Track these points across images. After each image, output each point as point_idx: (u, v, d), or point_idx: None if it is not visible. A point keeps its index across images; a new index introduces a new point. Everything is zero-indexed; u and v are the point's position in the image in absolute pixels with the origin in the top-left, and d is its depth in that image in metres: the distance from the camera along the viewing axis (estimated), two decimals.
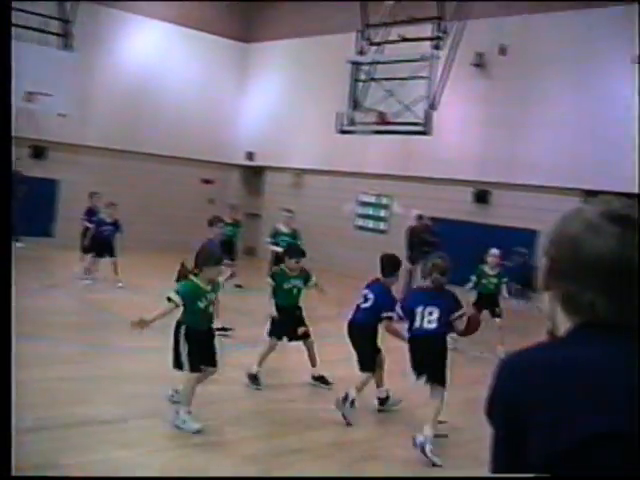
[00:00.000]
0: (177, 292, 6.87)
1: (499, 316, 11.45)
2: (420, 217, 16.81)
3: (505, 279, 11.74)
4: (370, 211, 20.04)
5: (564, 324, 1.58)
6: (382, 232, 19.42)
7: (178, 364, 6.80)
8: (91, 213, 15.42)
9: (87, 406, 7.12)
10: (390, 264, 8.05)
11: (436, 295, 6.97)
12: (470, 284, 11.69)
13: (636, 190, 13.82)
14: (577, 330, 1.54)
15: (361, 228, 20.08)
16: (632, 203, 1.57)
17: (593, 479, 1.37)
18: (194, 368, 6.75)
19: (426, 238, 16.49)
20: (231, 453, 6.32)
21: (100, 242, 14.50)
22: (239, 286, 15.27)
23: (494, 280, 11.59)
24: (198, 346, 6.80)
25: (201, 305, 6.87)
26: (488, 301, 11.54)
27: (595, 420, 1.38)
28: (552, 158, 15.88)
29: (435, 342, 6.89)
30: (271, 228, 14.22)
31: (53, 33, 19.07)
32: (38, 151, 19.88)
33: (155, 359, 9.53)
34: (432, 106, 13.78)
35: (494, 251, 11.73)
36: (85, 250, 14.88)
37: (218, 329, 11.09)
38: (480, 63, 17.33)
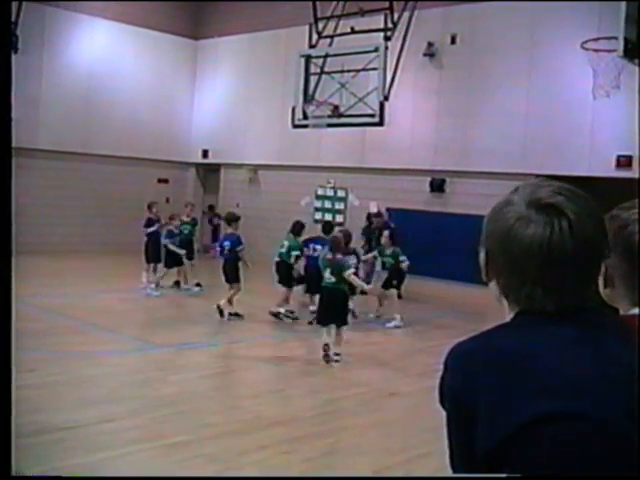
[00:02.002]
0: None
1: (396, 288, 13.43)
2: (377, 214, 16.85)
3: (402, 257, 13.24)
4: (327, 204, 20.04)
5: (509, 312, 1.59)
6: (340, 225, 19.41)
7: None
8: (150, 223, 15.10)
9: (49, 413, 7.02)
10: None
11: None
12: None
13: (588, 173, 14.07)
14: (519, 317, 1.56)
15: (319, 222, 20.03)
16: (560, 187, 1.55)
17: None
18: None
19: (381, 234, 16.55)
20: (197, 452, 6.27)
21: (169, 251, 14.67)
22: (199, 285, 15.20)
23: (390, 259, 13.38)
24: None
25: None
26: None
27: (534, 404, 1.39)
28: (505, 144, 16.01)
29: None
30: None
31: None
32: None
33: (113, 362, 9.49)
34: (385, 97, 13.77)
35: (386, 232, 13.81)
36: (149, 260, 14.77)
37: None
38: (431, 53, 17.40)
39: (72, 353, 9.64)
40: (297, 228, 13.19)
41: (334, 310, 9.84)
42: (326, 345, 9.50)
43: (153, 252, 14.72)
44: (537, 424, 1.38)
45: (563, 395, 1.40)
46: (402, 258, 13.23)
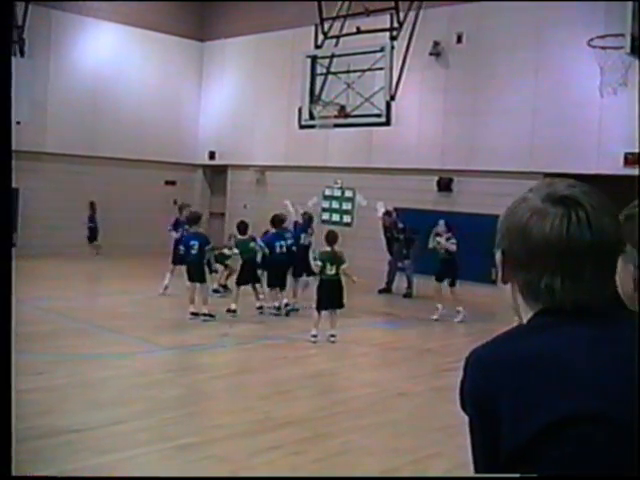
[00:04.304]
0: None
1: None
2: (387, 213, 16.86)
3: None
4: (335, 204, 20.01)
5: (527, 314, 1.59)
6: (347, 225, 19.40)
7: None
8: (177, 225, 14.82)
9: (57, 416, 7.03)
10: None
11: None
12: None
13: (595, 171, 14.02)
14: (538, 317, 1.57)
15: (327, 222, 20.03)
16: (574, 182, 1.58)
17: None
18: None
19: (394, 234, 16.61)
20: (207, 454, 6.26)
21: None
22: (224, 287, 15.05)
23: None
24: None
25: None
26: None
27: (557, 406, 1.39)
28: (512, 143, 15.96)
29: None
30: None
31: None
32: None
33: (121, 364, 9.50)
34: (392, 97, 13.75)
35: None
36: (175, 262, 14.55)
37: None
38: (437, 52, 17.37)
39: (80, 356, 9.65)
40: (242, 228, 13.38)
41: (335, 297, 11.07)
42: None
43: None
44: (559, 426, 1.38)
45: (583, 397, 1.40)
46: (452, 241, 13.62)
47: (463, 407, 1.56)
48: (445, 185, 17.32)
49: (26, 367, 8.79)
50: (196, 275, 12.45)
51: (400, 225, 16.43)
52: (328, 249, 11.26)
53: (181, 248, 12.93)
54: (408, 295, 16.48)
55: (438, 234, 13.82)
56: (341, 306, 11.19)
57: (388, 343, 11.18)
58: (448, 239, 13.60)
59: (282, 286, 13.10)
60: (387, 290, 16.79)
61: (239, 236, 13.31)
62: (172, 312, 12.93)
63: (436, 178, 17.42)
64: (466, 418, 1.55)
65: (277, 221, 13.44)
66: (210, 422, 7.15)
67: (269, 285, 13.19)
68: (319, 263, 11.14)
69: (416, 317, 13.97)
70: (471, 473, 1.54)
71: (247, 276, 12.95)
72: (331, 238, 11.44)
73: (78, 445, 6.22)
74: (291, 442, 6.63)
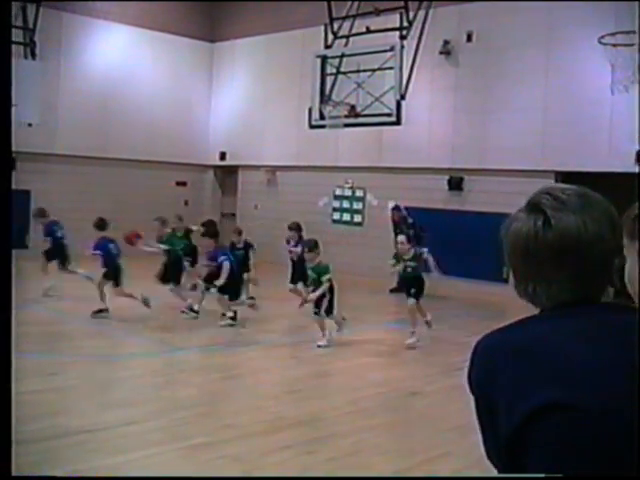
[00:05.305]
0: None
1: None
2: (396, 208, 16.88)
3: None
4: (345, 204, 20.01)
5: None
6: (358, 225, 19.41)
7: None
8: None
9: (70, 416, 7.06)
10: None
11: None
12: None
13: (607, 169, 13.98)
14: (539, 314, 1.67)
15: (337, 222, 20.05)
16: (552, 188, 1.67)
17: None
18: None
19: (402, 230, 16.62)
20: (220, 454, 6.27)
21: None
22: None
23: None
24: None
25: None
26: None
27: (540, 393, 1.46)
28: (523, 141, 15.93)
29: None
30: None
31: (16, 42, 18.84)
32: None
33: (134, 364, 9.54)
34: (402, 96, 13.75)
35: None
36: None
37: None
38: (447, 51, 17.35)
39: (94, 356, 9.69)
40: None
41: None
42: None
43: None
44: (541, 412, 1.44)
45: (564, 385, 1.45)
46: (423, 250, 11.90)
47: (471, 391, 1.64)
48: (456, 184, 17.30)
49: (40, 367, 8.84)
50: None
51: (410, 220, 16.45)
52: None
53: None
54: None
55: (402, 257, 11.43)
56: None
57: (399, 343, 11.18)
58: (417, 256, 11.49)
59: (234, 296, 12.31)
60: (398, 289, 16.76)
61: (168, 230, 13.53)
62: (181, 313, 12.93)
63: (447, 177, 17.41)
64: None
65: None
66: (223, 422, 7.16)
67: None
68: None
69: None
70: (483, 472, 1.56)
71: (170, 274, 12.99)
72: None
73: (92, 445, 6.25)
74: (303, 442, 6.64)
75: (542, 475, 1.43)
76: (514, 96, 16.26)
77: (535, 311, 1.69)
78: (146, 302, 12.05)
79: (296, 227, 13.86)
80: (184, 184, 23.35)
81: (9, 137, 3.07)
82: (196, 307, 12.29)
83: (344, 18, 15.57)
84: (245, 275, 13.35)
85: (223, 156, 23.37)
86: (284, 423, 7.23)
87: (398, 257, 11.46)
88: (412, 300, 11.25)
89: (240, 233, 13.94)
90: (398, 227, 16.73)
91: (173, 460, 6.10)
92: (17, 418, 6.76)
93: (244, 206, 22.79)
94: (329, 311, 10.85)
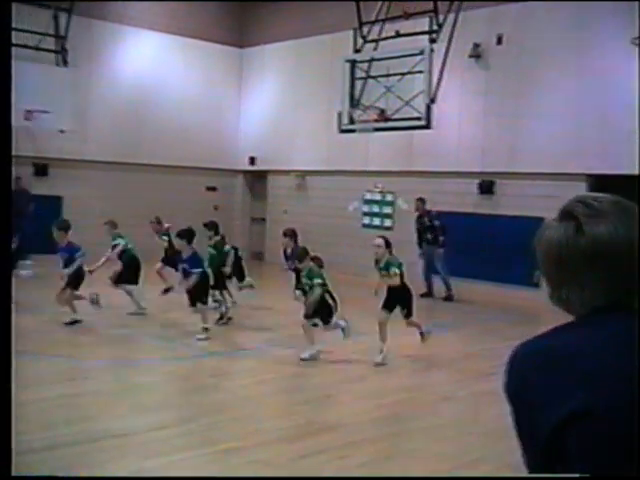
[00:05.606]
0: None
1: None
2: (420, 199, 16.87)
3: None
4: (375, 209, 19.97)
5: None
6: (388, 229, 19.35)
7: None
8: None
9: (102, 420, 7.10)
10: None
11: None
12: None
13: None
14: (575, 320, 1.68)
15: (367, 226, 20.01)
16: (585, 197, 1.68)
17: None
18: None
19: (424, 222, 16.60)
20: (251, 458, 6.26)
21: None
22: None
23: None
24: None
25: None
26: None
27: (576, 401, 1.48)
28: (555, 144, 15.78)
29: None
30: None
31: (48, 50, 19.09)
32: (40, 168, 19.88)
33: (165, 369, 9.58)
34: (432, 100, 13.70)
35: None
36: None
37: None
38: (477, 54, 17.24)
39: (125, 361, 9.75)
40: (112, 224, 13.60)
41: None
42: None
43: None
44: (576, 420, 1.47)
45: (598, 393, 1.47)
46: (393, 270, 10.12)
47: (509, 400, 1.66)
48: (487, 188, 17.20)
49: (73, 372, 8.91)
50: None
51: (436, 223, 16.46)
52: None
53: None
54: (449, 298, 16.38)
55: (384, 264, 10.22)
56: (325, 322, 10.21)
57: (431, 347, 11.12)
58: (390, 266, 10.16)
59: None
60: (429, 294, 16.69)
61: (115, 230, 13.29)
62: (215, 318, 12.94)
63: (477, 181, 17.31)
64: (510, 421, 1.65)
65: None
66: (254, 426, 7.16)
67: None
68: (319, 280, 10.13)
69: (458, 321, 13.89)
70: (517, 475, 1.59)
71: (128, 275, 12.82)
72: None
73: (123, 449, 6.27)
74: (335, 447, 6.61)
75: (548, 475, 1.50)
76: (545, 98, 16.12)
77: (569, 318, 1.69)
78: (94, 301, 11.83)
79: (291, 233, 13.03)
80: (214, 189, 23.44)
81: (9, 137, 3.08)
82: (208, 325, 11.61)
83: (373, 22, 15.56)
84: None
85: (253, 161, 23.42)
86: (316, 427, 7.22)
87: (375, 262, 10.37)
88: (384, 314, 10.04)
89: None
90: (421, 219, 16.75)
91: (203, 465, 6.10)
92: (50, 422, 6.86)
93: (274, 211, 22.83)
94: (327, 318, 10.16)
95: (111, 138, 21.02)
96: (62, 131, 18.52)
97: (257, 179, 24.00)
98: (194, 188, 22.61)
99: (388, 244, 10.25)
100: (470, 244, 16.82)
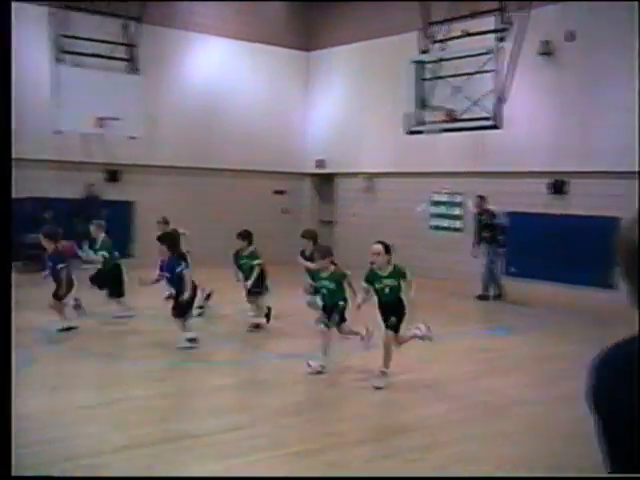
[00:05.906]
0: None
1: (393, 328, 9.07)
2: (480, 197, 16.65)
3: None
4: (444, 210, 19.81)
5: None
6: (457, 230, 19.19)
7: None
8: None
9: (176, 421, 7.20)
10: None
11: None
12: None
13: None
14: None
15: (436, 228, 19.88)
16: None
17: None
18: None
19: (483, 220, 16.37)
20: (324, 460, 6.26)
21: None
22: None
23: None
24: None
25: None
26: None
27: (631, 406, 1.48)
28: (628, 142, 15.40)
29: None
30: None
31: (119, 58, 19.52)
32: (112, 174, 20.30)
33: (237, 371, 9.66)
34: (501, 99, 13.57)
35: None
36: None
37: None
38: (547, 51, 16.93)
39: (198, 363, 9.86)
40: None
41: None
42: None
43: None
44: (630, 425, 1.47)
45: None
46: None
47: (589, 406, 1.65)
48: (558, 187, 16.91)
49: (147, 374, 9.05)
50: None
51: (498, 223, 16.24)
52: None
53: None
54: (498, 297, 16.16)
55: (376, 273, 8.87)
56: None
57: (498, 350, 10.98)
58: (398, 272, 8.87)
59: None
60: (486, 297, 16.43)
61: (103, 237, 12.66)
62: (283, 321, 12.99)
63: (547, 180, 17.02)
64: (586, 426, 1.73)
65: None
66: (326, 429, 7.17)
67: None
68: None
69: (522, 323, 13.68)
70: None
71: (107, 280, 12.30)
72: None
73: (197, 450, 6.34)
74: (407, 449, 6.57)
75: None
76: (617, 95, 15.76)
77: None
78: (77, 306, 11.61)
79: (309, 235, 12.05)
80: (282, 192, 23.59)
81: (9, 137, 3.13)
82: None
83: (440, 23, 15.48)
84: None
85: (320, 164, 23.49)
86: (388, 430, 7.19)
87: (373, 274, 8.88)
88: (390, 332, 8.77)
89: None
90: (480, 215, 16.51)
91: (276, 466, 6.12)
92: (129, 423, 6.99)
93: (342, 213, 22.86)
94: (340, 322, 9.58)
95: (180, 143, 21.34)
96: (133, 137, 18.90)
97: (324, 182, 24.05)
98: (262, 192, 22.81)
99: (388, 250, 8.78)
100: (541, 245, 16.57)
